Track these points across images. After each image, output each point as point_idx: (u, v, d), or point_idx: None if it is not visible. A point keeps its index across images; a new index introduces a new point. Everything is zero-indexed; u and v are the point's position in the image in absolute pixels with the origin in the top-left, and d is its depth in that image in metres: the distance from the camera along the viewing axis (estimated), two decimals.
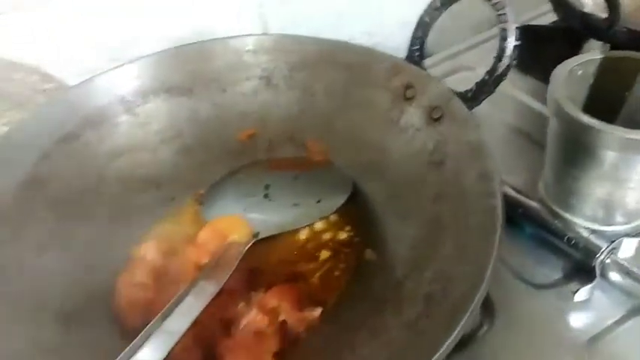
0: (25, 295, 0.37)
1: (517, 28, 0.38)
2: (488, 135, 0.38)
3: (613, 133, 0.36)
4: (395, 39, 0.68)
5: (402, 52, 0.49)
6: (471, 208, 0.35)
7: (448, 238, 0.36)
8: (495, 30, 0.65)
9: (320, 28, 0.63)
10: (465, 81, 0.60)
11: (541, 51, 0.54)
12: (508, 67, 0.39)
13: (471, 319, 0.29)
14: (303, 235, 0.42)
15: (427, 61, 0.46)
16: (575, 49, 0.56)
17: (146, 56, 0.49)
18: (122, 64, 0.48)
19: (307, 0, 0.62)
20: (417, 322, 0.32)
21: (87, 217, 0.41)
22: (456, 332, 0.28)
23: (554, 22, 0.62)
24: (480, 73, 0.59)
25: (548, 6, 0.65)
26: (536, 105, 0.56)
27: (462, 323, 0.29)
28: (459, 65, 0.61)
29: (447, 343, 0.28)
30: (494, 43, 0.65)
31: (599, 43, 0.55)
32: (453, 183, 0.38)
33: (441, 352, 0.28)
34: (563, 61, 0.44)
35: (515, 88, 0.57)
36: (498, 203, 0.33)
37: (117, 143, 0.47)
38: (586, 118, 0.37)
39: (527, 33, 0.43)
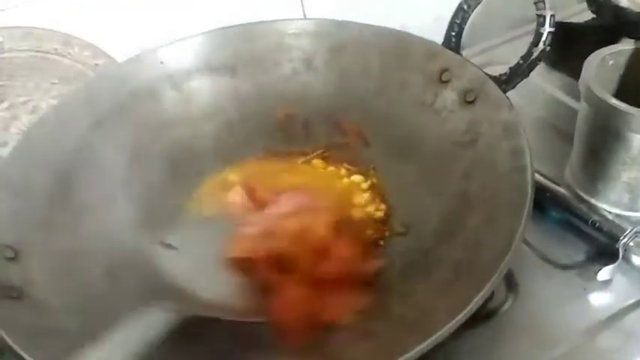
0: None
1: (552, 15, 0.40)
2: None
3: None
4: (427, 33, 0.71)
5: None
6: (501, 182, 0.37)
7: (478, 211, 0.37)
8: (526, 28, 0.68)
9: (358, 14, 0.66)
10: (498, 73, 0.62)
11: (571, 47, 0.55)
12: (542, 52, 0.40)
13: (498, 280, 0.31)
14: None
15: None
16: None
17: (193, 36, 0.51)
18: (170, 43, 0.50)
19: None
20: (446, 287, 0.34)
21: (137, 179, 0.44)
22: (485, 289, 0.30)
23: (586, 22, 0.64)
24: None
25: (581, 6, 0.67)
26: (565, 98, 0.58)
27: (492, 280, 0.30)
28: (490, 60, 0.63)
29: (475, 299, 0.30)
30: (526, 41, 0.67)
31: (631, 41, 0.56)
32: (484, 159, 0.40)
33: (470, 306, 0.29)
34: None
35: (545, 82, 0.59)
36: (528, 178, 0.35)
37: (163, 117, 0.49)
38: (616, 102, 0.39)
39: (559, 30, 0.44)
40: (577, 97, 0.57)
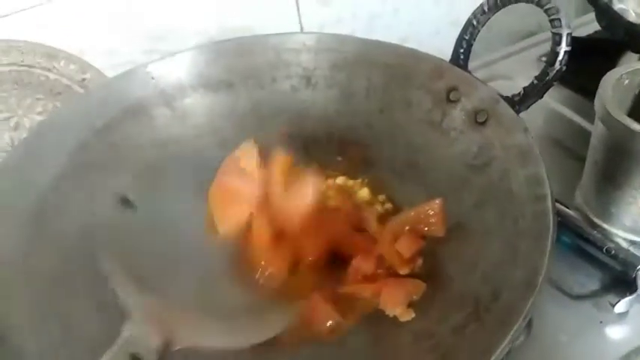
0: None
1: (569, 34, 0.38)
2: None
3: None
4: (427, 47, 0.69)
5: None
6: (519, 212, 0.35)
7: (496, 241, 0.35)
8: (530, 40, 0.66)
9: (356, 28, 0.64)
10: (504, 90, 0.60)
11: (578, 63, 0.54)
12: (558, 73, 0.39)
13: (523, 324, 0.29)
14: None
15: None
16: (612, 62, 0.56)
17: (186, 50, 0.49)
18: (162, 57, 0.48)
19: (342, 3, 0.62)
20: (465, 327, 0.32)
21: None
22: (509, 337, 0.28)
23: (590, 35, 0.62)
24: (518, 82, 0.60)
25: (585, 18, 0.66)
26: (572, 116, 0.56)
27: (515, 327, 0.28)
28: (496, 74, 0.61)
29: (499, 349, 0.28)
30: (530, 54, 0.65)
31: (636, 56, 0.55)
32: (499, 186, 0.38)
33: (495, 355, 0.27)
34: (599, 73, 0.45)
35: (551, 99, 0.57)
36: (549, 207, 0.33)
37: (155, 135, 0.47)
38: (634, 124, 0.37)
39: None
40: (583, 114, 0.56)
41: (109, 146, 0.44)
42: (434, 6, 0.67)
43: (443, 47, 0.48)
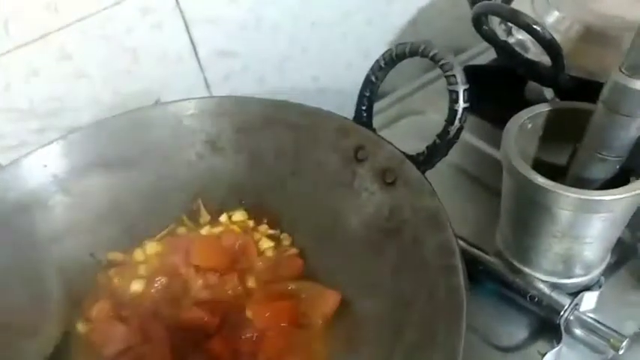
0: None
1: (465, 89, 0.37)
2: (436, 180, 0.38)
3: (567, 194, 0.36)
4: (340, 82, 0.68)
5: (349, 94, 0.47)
6: (433, 283, 0.34)
7: (414, 316, 0.34)
8: (439, 70, 0.66)
9: (265, 73, 0.62)
10: (416, 126, 0.60)
11: (485, 91, 0.53)
12: (459, 130, 0.38)
13: None
14: None
15: (375, 107, 0.45)
16: (520, 87, 0.56)
17: (77, 129, 0.46)
18: (52, 141, 0.45)
19: (249, 46, 0.60)
20: None
21: None
22: None
23: (496, 59, 0.63)
24: (430, 117, 0.59)
25: (483, 46, 0.66)
26: (483, 146, 0.56)
27: None
28: (408, 109, 0.61)
29: None
30: (442, 84, 0.65)
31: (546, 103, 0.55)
32: (412, 254, 0.36)
33: None
34: (508, 100, 0.44)
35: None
36: (461, 283, 0.32)
37: (53, 227, 0.44)
38: (539, 179, 0.37)
39: (470, 74, 0.42)
40: (496, 145, 0.56)
41: None
42: (341, 40, 0.66)
43: (358, 79, 0.47)
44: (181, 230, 0.47)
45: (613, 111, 0.35)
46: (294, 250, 0.44)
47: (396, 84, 0.65)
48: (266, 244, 0.45)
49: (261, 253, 0.44)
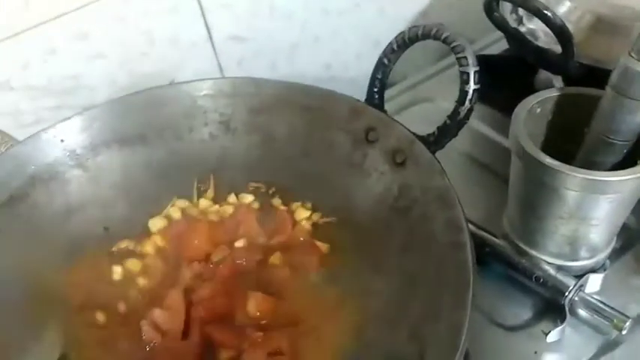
0: None
1: (476, 71, 0.38)
2: (447, 167, 0.38)
3: (574, 175, 0.37)
4: (351, 71, 0.69)
5: (359, 83, 0.48)
6: (441, 260, 0.34)
7: (420, 292, 0.35)
8: (450, 59, 0.66)
9: (277, 60, 0.63)
10: (427, 113, 0.60)
11: (495, 80, 0.54)
12: (469, 111, 0.38)
13: None
14: None
15: (386, 94, 0.46)
16: (529, 77, 0.57)
17: (95, 106, 0.47)
18: (70, 116, 0.45)
19: (262, 33, 0.61)
20: None
21: None
22: None
23: (506, 50, 0.63)
24: (440, 104, 0.60)
25: (493, 37, 0.67)
26: (492, 134, 0.57)
27: None
28: (419, 97, 0.61)
29: None
30: (453, 72, 0.66)
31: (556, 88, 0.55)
32: (421, 232, 0.37)
33: None
34: (517, 90, 0.45)
35: (473, 118, 0.57)
36: (469, 258, 0.33)
37: (69, 201, 0.44)
38: (547, 159, 0.37)
39: (481, 63, 0.43)
40: (505, 134, 0.57)
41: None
42: (352, 30, 0.67)
43: (369, 68, 0.47)
44: (192, 210, 0.48)
45: (621, 95, 0.36)
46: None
47: (407, 72, 0.65)
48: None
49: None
